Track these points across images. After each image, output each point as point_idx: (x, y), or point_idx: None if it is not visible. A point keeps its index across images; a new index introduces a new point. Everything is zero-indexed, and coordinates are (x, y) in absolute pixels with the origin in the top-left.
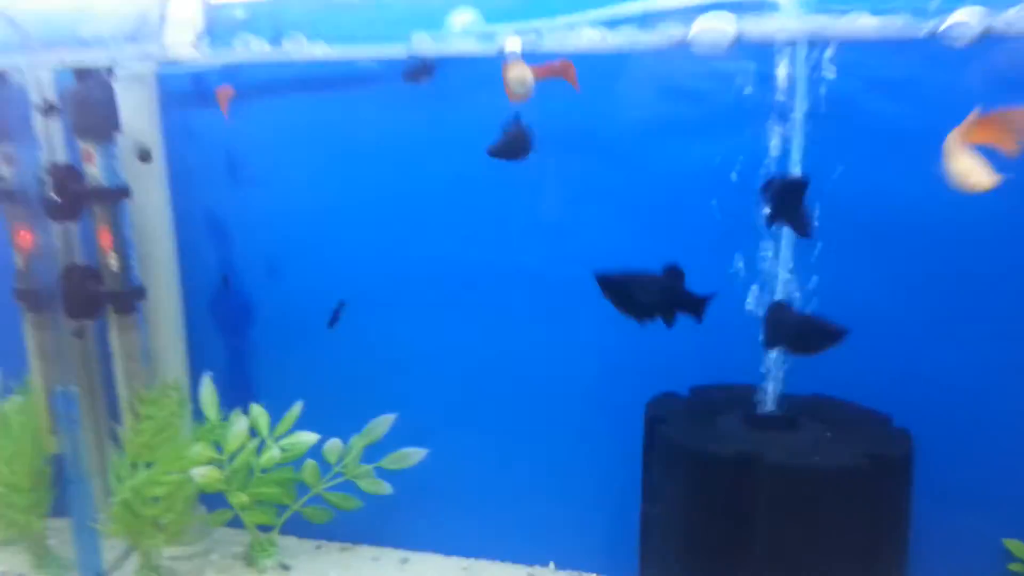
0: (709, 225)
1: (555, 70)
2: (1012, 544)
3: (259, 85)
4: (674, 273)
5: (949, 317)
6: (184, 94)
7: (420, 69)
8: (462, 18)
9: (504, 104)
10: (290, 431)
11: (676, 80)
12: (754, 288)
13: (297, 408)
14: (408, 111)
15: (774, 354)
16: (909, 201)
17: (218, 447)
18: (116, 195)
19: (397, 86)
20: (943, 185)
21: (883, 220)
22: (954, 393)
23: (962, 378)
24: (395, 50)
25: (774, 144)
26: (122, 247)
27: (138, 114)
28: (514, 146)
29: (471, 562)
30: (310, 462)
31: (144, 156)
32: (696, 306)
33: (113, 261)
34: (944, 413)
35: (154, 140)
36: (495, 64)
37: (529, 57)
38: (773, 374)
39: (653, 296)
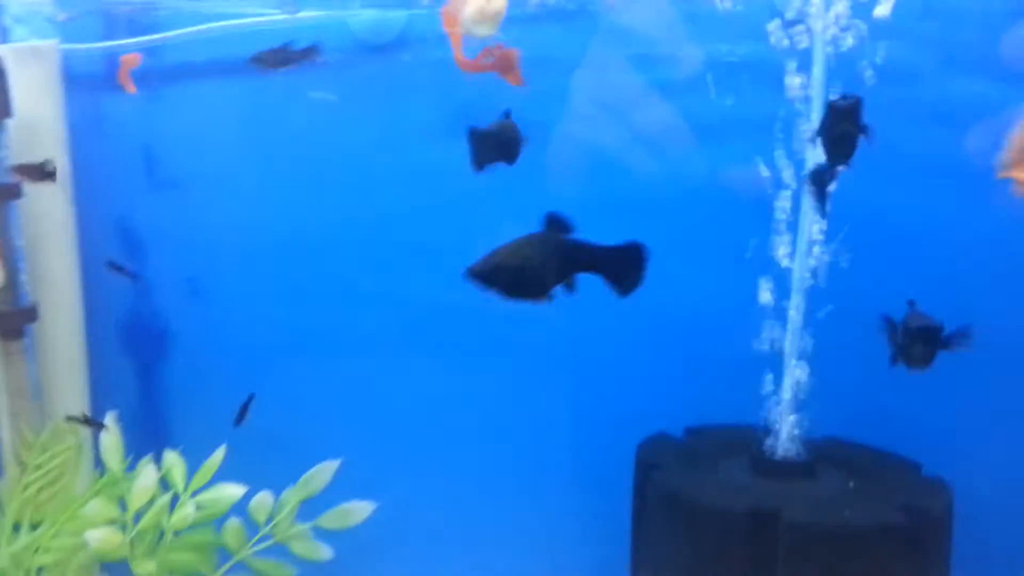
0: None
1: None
2: None
3: (184, 67)
4: (557, 224)
5: (987, 352)
6: (94, 77)
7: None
8: None
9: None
10: (210, 483)
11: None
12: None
13: (219, 455)
14: (362, 101)
15: (789, 389)
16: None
17: (122, 504)
18: (2, 194)
19: (352, 68)
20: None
21: (910, 246)
22: (990, 437)
23: (997, 421)
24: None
25: None
26: (8, 258)
27: (35, 96)
28: (503, 145)
29: None
30: (234, 521)
31: (48, 172)
32: (609, 263)
33: None
34: (980, 460)
35: (55, 129)
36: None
37: None
38: (786, 413)
39: (541, 262)
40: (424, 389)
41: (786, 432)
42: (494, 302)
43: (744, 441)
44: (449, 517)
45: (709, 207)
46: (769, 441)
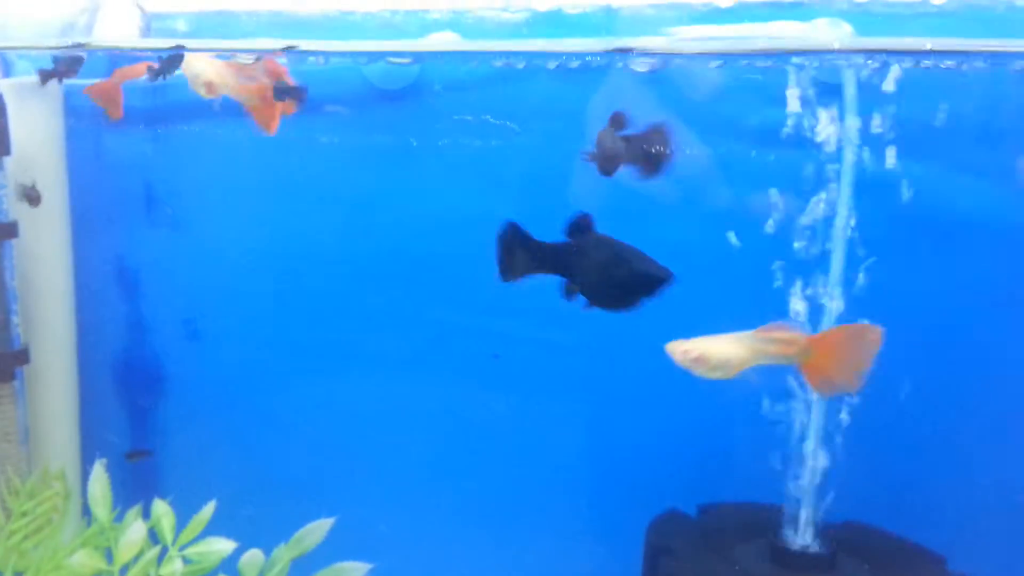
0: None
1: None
2: None
3: (188, 105)
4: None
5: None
6: (96, 113)
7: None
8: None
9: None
10: (199, 537)
11: None
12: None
13: (209, 508)
14: (365, 142)
15: (809, 473)
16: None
17: (109, 555)
18: None
19: (354, 111)
20: None
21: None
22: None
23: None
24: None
25: None
26: (1, 298)
27: (36, 134)
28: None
29: None
30: None
31: (31, 197)
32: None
33: None
34: (1009, 554)
35: (55, 167)
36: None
37: None
38: (807, 496)
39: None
40: (426, 440)
41: (805, 519)
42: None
43: (761, 523)
44: None
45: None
46: (787, 528)
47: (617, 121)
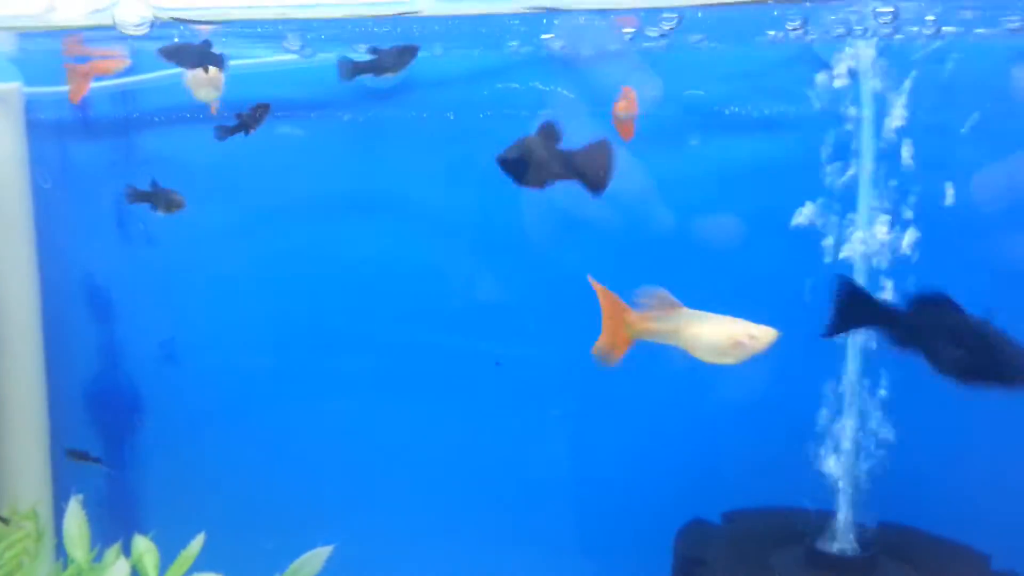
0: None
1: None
2: None
3: (159, 113)
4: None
5: None
6: (61, 123)
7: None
8: None
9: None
10: (187, 574)
11: None
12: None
13: (197, 542)
14: (353, 151)
15: (844, 476)
16: None
17: None
18: None
19: (344, 116)
20: None
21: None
22: None
23: None
24: None
25: None
26: None
27: None
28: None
29: None
30: None
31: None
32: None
33: None
34: None
35: (17, 179)
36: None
37: None
38: (845, 498)
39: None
40: (429, 460)
41: (844, 522)
42: (516, 362)
43: (791, 529)
44: None
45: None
46: (824, 530)
47: (547, 132)
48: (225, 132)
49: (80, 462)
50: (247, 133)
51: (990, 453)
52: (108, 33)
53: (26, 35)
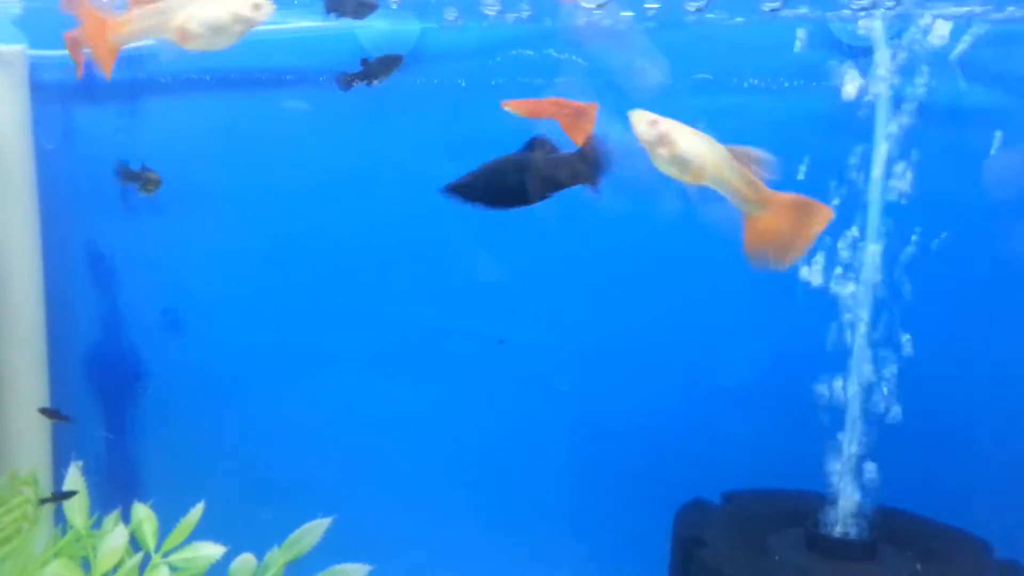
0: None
1: None
2: None
3: (163, 78)
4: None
5: None
6: (64, 86)
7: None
8: None
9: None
10: (186, 542)
11: None
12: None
13: (197, 511)
14: (355, 121)
15: (846, 457)
16: None
17: (86, 564)
18: None
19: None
20: None
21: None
22: None
23: None
24: None
25: None
26: None
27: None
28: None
29: None
30: None
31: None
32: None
33: None
34: None
35: (20, 142)
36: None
37: None
38: (846, 483)
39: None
40: (430, 434)
41: (846, 506)
42: (517, 340)
43: (791, 511)
44: None
45: None
46: (826, 516)
47: (539, 145)
48: (348, 80)
49: (54, 419)
50: (370, 84)
51: (994, 439)
52: None
53: None
